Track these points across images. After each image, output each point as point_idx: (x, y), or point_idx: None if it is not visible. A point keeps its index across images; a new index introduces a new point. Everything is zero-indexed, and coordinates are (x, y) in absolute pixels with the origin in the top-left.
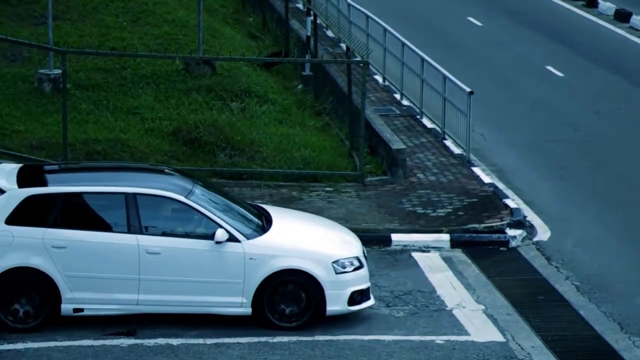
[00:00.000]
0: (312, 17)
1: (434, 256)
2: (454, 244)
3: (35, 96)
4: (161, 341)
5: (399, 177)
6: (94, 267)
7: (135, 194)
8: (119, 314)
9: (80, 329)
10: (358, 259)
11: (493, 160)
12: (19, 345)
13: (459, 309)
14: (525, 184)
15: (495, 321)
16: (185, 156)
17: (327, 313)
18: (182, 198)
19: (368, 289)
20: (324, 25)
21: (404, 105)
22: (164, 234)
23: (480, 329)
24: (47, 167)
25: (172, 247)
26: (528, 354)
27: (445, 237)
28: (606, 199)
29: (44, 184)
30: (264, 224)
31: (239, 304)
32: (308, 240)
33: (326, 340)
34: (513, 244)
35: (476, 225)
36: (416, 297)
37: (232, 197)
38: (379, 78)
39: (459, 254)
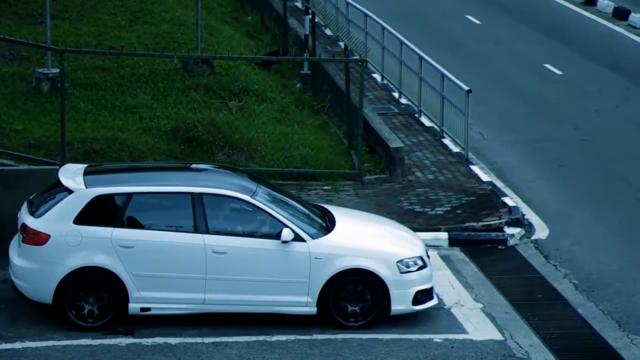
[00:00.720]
0: (310, 16)
1: (432, 254)
2: (452, 242)
3: (34, 95)
4: (159, 340)
5: (397, 175)
6: (161, 266)
7: (201, 194)
8: (186, 314)
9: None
10: (422, 258)
11: (491, 158)
12: (17, 345)
13: (457, 307)
14: (523, 182)
15: (493, 319)
16: (184, 155)
17: (392, 312)
18: (247, 198)
19: (431, 288)
20: (323, 23)
21: (403, 104)
22: (230, 234)
23: (479, 327)
24: (111, 167)
25: (238, 246)
26: (526, 352)
27: (444, 235)
28: (605, 198)
29: (111, 184)
30: (327, 223)
31: (304, 303)
32: (372, 239)
33: (324, 339)
34: (511, 242)
35: (474, 224)
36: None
37: (294, 197)
38: (377, 77)
39: (457, 253)
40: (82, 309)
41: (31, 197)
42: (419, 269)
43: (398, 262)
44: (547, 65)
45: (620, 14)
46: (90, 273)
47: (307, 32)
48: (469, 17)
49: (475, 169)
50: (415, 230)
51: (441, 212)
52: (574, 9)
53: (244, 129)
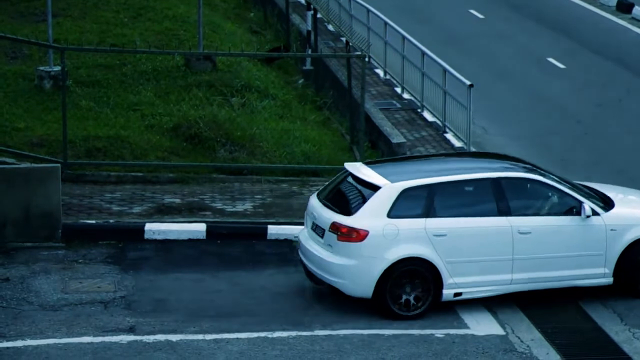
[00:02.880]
0: (312, 12)
1: None
2: None
3: (36, 93)
4: (160, 337)
5: None
6: (471, 251)
7: (499, 179)
8: (494, 295)
9: (79, 325)
10: None
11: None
12: (19, 343)
13: (459, 302)
14: None
15: (495, 314)
16: (186, 152)
17: None
18: (542, 179)
19: None
20: (325, 19)
21: (405, 99)
22: (531, 214)
23: (480, 322)
24: (386, 160)
25: (541, 225)
26: (528, 346)
27: None
28: None
29: (409, 176)
30: (604, 198)
31: (602, 274)
32: None
33: (326, 335)
34: None
35: None
36: None
37: (563, 177)
38: (380, 72)
39: None
40: (400, 299)
41: (319, 196)
42: None
43: None
44: (550, 59)
45: (624, 7)
46: (408, 264)
47: (310, 28)
48: (472, 11)
49: None
50: None
51: None
52: (578, 2)
53: (246, 126)
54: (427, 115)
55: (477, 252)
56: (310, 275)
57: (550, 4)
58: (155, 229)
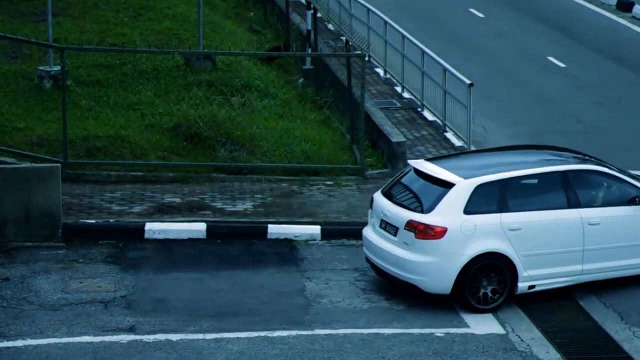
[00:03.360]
0: (312, 11)
1: None
2: None
3: (36, 93)
4: (160, 337)
5: (399, 170)
6: (544, 244)
7: (567, 171)
8: (566, 286)
9: (79, 325)
10: None
11: None
12: (19, 343)
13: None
14: None
15: (495, 313)
16: (186, 151)
17: None
18: (606, 170)
19: None
20: (325, 19)
21: (405, 98)
22: (598, 205)
23: (480, 321)
24: (448, 156)
25: (609, 216)
26: (528, 345)
27: None
28: None
29: (479, 172)
30: None
31: None
32: None
33: (326, 335)
34: None
35: None
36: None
37: (620, 168)
38: (380, 71)
39: None
40: (478, 293)
41: (385, 194)
42: None
43: None
44: (551, 58)
45: (624, 6)
46: (485, 259)
47: (310, 28)
48: (472, 10)
49: None
50: None
51: None
52: (578, 1)
53: (246, 125)
54: (427, 115)
55: (549, 244)
56: (380, 272)
57: (551, 3)
58: (155, 228)
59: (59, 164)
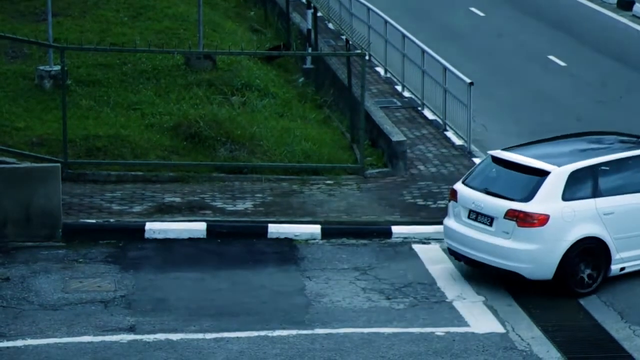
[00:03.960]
0: (312, 10)
1: (435, 248)
2: None
3: (36, 93)
4: (160, 336)
5: (399, 169)
6: (635, 227)
7: None
8: None
9: (79, 325)
10: None
11: None
12: (19, 343)
13: (459, 300)
14: None
15: (495, 312)
16: (186, 151)
17: None
18: None
19: None
20: (325, 18)
21: (406, 97)
22: None
23: (481, 320)
24: (526, 144)
25: None
26: (528, 344)
27: None
28: None
29: (569, 159)
30: None
31: None
32: None
33: (326, 334)
34: None
35: None
36: (416, 289)
37: None
38: (380, 70)
39: None
40: (577, 277)
41: (469, 185)
42: None
43: None
44: (551, 57)
45: (625, 5)
46: (584, 243)
47: (310, 27)
48: (473, 9)
49: (478, 161)
50: (418, 223)
51: (444, 205)
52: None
53: (246, 124)
54: (428, 114)
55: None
56: (470, 261)
57: (551, 2)
58: (155, 228)
59: (59, 164)
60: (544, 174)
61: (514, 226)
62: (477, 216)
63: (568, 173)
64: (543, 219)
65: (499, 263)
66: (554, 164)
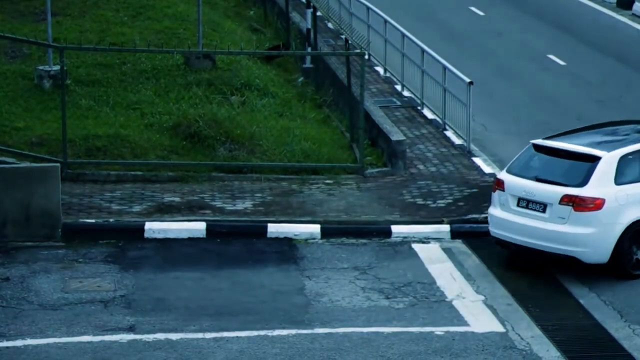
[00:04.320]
0: (312, 10)
1: (434, 247)
2: (454, 234)
3: (35, 93)
4: (160, 336)
5: (399, 168)
6: None
7: None
8: None
9: (79, 324)
10: None
11: (494, 150)
12: (19, 342)
13: (459, 299)
14: None
15: (495, 311)
16: (185, 151)
17: None
18: None
19: None
20: (325, 17)
21: (405, 97)
22: None
23: (480, 319)
24: (564, 133)
25: None
26: (528, 343)
27: (446, 227)
28: None
29: (612, 145)
30: None
31: None
32: None
33: (326, 333)
34: None
35: (477, 216)
36: (416, 289)
37: None
38: (380, 69)
39: (459, 245)
40: (632, 260)
41: (514, 174)
42: None
43: None
44: (551, 56)
45: (625, 4)
46: (637, 226)
47: (309, 26)
48: (473, 8)
49: (477, 160)
50: (417, 222)
51: (443, 205)
52: None
53: (246, 124)
54: (427, 113)
55: None
56: (521, 249)
57: (551, 1)
58: (155, 227)
59: (58, 164)
60: (594, 159)
61: (570, 211)
62: (528, 203)
63: (618, 158)
64: (599, 203)
65: (555, 248)
66: (603, 149)
